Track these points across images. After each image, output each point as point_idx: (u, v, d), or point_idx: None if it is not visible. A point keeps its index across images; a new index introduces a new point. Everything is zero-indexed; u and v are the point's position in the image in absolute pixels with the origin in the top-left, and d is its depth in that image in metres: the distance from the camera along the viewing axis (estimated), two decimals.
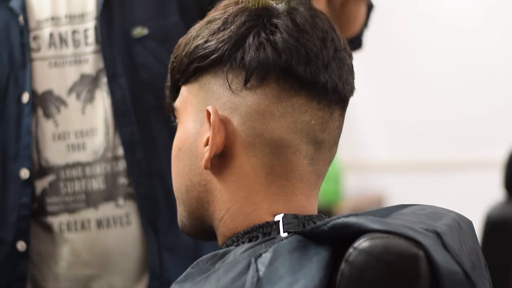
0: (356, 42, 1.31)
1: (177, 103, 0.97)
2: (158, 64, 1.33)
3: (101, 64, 1.33)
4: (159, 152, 1.35)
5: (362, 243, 0.79)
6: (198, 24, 0.96)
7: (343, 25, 1.00)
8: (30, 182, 1.32)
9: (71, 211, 1.32)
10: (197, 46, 0.93)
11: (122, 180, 1.33)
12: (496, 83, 4.10)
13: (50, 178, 1.33)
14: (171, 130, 1.08)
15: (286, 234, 0.86)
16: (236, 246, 0.88)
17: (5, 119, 1.33)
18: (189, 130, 0.94)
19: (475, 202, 2.91)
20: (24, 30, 1.33)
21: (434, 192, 4.05)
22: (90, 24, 1.34)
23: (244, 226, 0.90)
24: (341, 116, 0.94)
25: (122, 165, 1.32)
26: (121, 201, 1.32)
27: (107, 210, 1.32)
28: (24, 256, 1.32)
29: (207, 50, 0.92)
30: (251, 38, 0.90)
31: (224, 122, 0.90)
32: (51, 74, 1.33)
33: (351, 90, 0.94)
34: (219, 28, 0.92)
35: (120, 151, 1.32)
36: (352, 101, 0.96)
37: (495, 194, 2.58)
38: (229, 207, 0.91)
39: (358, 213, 0.85)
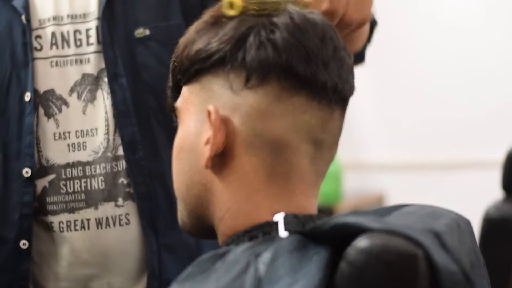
0: (358, 57, 1.31)
1: (178, 103, 0.97)
2: (159, 65, 1.33)
3: (102, 64, 1.33)
4: (159, 152, 1.35)
5: (362, 242, 0.79)
6: (196, 24, 0.96)
7: (346, 42, 1.01)
8: (31, 181, 1.32)
9: (71, 210, 1.32)
10: (198, 48, 0.93)
11: (122, 180, 1.33)
12: (496, 83, 4.10)
13: (50, 177, 1.33)
14: (171, 131, 1.08)
15: (286, 234, 0.86)
16: (236, 245, 0.88)
17: (7, 117, 1.34)
18: (190, 129, 0.94)
19: (475, 202, 2.91)
20: (27, 29, 1.33)
21: (434, 192, 4.05)
22: (92, 24, 1.34)
23: (244, 226, 0.90)
24: (341, 116, 0.95)
25: (122, 165, 1.33)
26: (120, 201, 1.32)
27: (106, 210, 1.32)
28: (27, 254, 1.32)
29: (208, 52, 0.92)
30: (251, 38, 0.90)
31: (225, 122, 0.91)
32: (53, 74, 1.34)
33: (351, 89, 0.95)
34: (219, 29, 0.93)
35: (120, 151, 1.33)
36: (352, 101, 0.96)
37: (495, 194, 2.58)
38: (229, 206, 0.91)
39: (358, 213, 0.86)
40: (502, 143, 3.20)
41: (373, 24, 1.37)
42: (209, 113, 0.91)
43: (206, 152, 0.91)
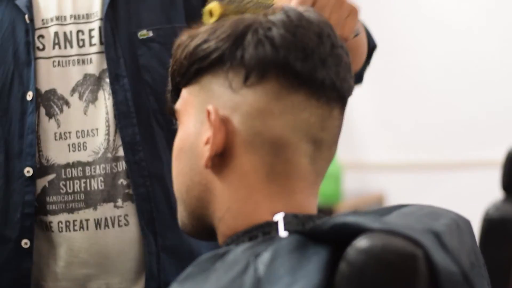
0: (356, 77, 1.32)
1: (178, 105, 0.97)
2: (161, 67, 1.33)
3: (104, 65, 1.33)
4: (159, 154, 1.35)
5: (361, 242, 0.79)
6: (193, 29, 0.97)
7: None
8: (33, 180, 1.32)
9: (70, 210, 1.32)
10: (196, 47, 0.93)
11: (122, 181, 1.33)
12: (496, 83, 4.09)
13: (50, 177, 1.33)
14: (170, 133, 1.08)
15: (286, 234, 0.86)
16: (236, 245, 0.88)
17: (9, 116, 1.34)
18: (189, 130, 0.94)
19: (475, 202, 2.91)
20: (30, 29, 1.33)
21: (434, 192, 4.05)
22: (95, 25, 1.34)
23: (244, 225, 0.90)
24: (340, 115, 0.95)
25: (122, 166, 1.33)
26: (120, 202, 1.32)
27: (105, 210, 1.32)
28: (29, 253, 1.32)
29: (207, 51, 0.92)
30: (249, 36, 0.91)
31: (225, 122, 0.91)
32: (55, 73, 1.34)
33: (349, 88, 0.95)
34: (217, 28, 0.93)
35: (120, 152, 1.33)
36: (352, 101, 0.96)
37: (495, 194, 2.58)
38: (229, 206, 0.91)
39: (358, 213, 0.86)
40: (502, 143, 3.20)
41: (373, 48, 1.40)
42: (208, 113, 0.91)
43: (206, 152, 0.91)
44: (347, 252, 0.80)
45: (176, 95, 0.98)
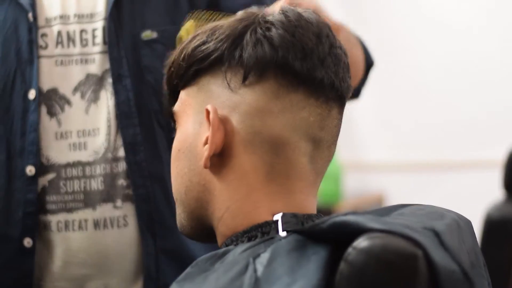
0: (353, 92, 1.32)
1: (176, 107, 0.97)
2: (163, 68, 1.33)
3: (107, 65, 1.33)
4: (160, 155, 1.35)
5: (361, 242, 0.79)
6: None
7: None
8: (35, 178, 1.32)
9: (69, 210, 1.32)
10: (195, 49, 0.93)
11: (121, 182, 1.33)
12: (496, 83, 4.10)
13: (50, 176, 1.33)
14: (172, 134, 1.08)
15: (285, 234, 0.86)
16: (235, 245, 0.88)
17: (11, 114, 1.34)
18: (188, 131, 0.94)
19: (475, 202, 2.91)
20: (33, 27, 1.33)
21: (434, 192, 4.05)
22: (98, 24, 1.34)
23: (244, 225, 0.90)
24: (339, 115, 0.95)
25: (122, 166, 1.33)
26: (119, 202, 1.32)
27: (104, 211, 1.32)
28: (31, 252, 1.32)
29: (206, 52, 0.92)
30: (248, 36, 0.91)
31: (224, 121, 0.91)
32: (57, 72, 1.34)
33: (348, 88, 0.95)
34: (215, 29, 0.93)
35: (121, 153, 1.33)
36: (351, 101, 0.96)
37: (495, 194, 2.58)
38: (228, 206, 0.91)
39: (357, 212, 0.86)
40: (502, 143, 3.20)
41: (370, 64, 1.40)
42: (207, 113, 0.91)
43: (205, 152, 0.91)
44: (347, 252, 0.80)
45: (173, 97, 0.98)
